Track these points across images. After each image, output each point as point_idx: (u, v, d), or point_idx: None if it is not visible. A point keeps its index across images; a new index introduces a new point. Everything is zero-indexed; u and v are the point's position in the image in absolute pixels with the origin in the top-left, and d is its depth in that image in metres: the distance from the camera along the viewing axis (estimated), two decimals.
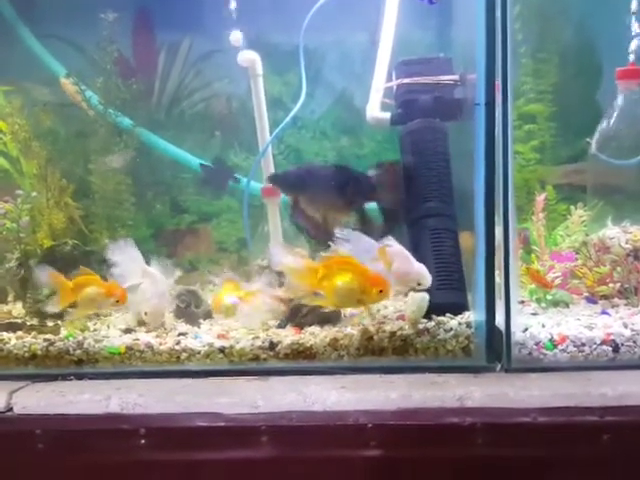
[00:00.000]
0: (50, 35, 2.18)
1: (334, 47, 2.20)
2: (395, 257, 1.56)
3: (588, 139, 1.95)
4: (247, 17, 2.01)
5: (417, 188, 1.72)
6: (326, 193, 1.75)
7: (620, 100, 1.92)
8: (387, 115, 1.87)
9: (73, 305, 1.66)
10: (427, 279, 1.56)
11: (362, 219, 1.77)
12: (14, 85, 2.09)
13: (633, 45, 1.89)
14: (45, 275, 1.64)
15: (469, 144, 1.55)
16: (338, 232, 1.54)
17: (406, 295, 1.61)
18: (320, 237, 1.75)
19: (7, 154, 2.10)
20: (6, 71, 2.13)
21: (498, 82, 1.48)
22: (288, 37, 2.12)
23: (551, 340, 1.50)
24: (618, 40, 1.95)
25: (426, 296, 1.57)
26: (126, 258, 1.67)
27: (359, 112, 1.98)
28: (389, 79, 1.87)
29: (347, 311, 1.70)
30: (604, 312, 1.67)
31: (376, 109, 1.89)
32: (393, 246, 1.57)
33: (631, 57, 1.90)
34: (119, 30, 2.10)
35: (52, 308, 1.67)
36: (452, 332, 1.54)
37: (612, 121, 1.93)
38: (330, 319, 1.67)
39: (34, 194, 2.06)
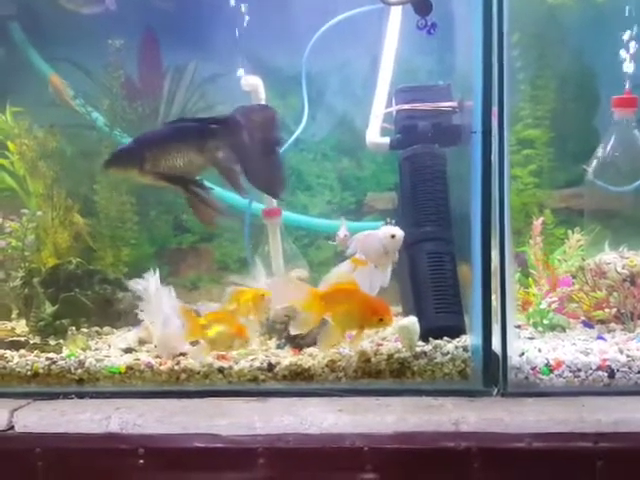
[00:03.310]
0: (60, 59, 2.23)
1: (336, 71, 2.24)
2: (359, 244, 1.62)
3: (585, 166, 1.98)
4: (251, 41, 2.06)
5: (415, 212, 1.75)
6: (175, 150, 1.66)
7: (616, 128, 1.96)
8: (386, 140, 1.90)
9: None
10: (395, 230, 1.62)
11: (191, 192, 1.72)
12: (22, 106, 2.14)
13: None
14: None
15: (467, 169, 1.58)
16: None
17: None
18: (209, 219, 1.76)
19: (14, 173, 2.14)
20: (15, 92, 2.18)
21: (495, 109, 1.51)
22: (291, 61, 2.17)
23: (547, 365, 1.52)
24: (616, 66, 1.98)
25: (412, 320, 1.59)
26: (155, 293, 1.67)
27: (359, 135, 2.01)
28: (389, 105, 1.91)
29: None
30: (600, 337, 1.69)
31: (375, 134, 1.93)
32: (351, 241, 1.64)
33: (627, 84, 1.93)
34: (126, 54, 2.16)
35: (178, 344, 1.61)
36: (449, 355, 1.56)
37: (608, 149, 1.95)
38: None
39: (39, 213, 2.10)
